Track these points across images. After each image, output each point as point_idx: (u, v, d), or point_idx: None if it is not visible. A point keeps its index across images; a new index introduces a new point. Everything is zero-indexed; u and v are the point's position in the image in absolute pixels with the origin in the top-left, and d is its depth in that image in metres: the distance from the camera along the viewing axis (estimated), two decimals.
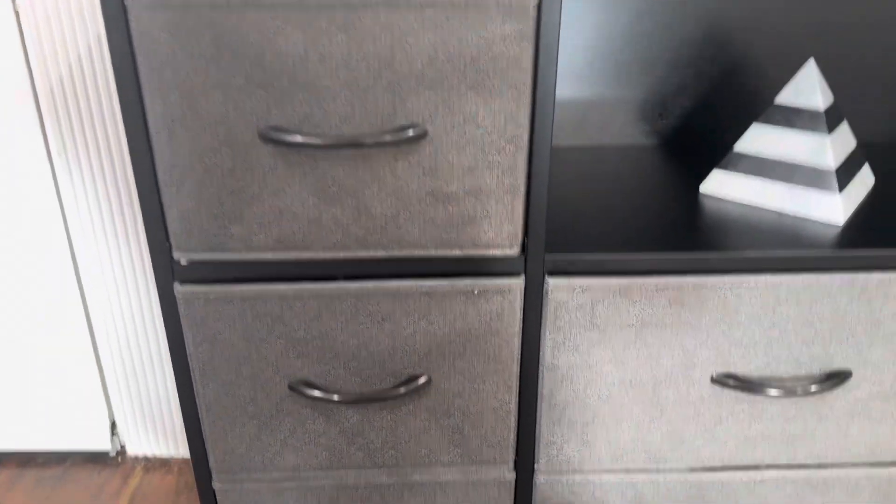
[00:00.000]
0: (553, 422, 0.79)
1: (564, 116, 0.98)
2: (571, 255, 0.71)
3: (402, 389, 0.73)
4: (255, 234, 0.68)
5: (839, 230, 0.76)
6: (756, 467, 0.83)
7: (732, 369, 0.77)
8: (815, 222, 0.78)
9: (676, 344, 0.75)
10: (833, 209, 0.77)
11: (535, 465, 0.82)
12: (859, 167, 0.83)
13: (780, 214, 0.80)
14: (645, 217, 0.79)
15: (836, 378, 0.76)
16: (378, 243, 0.69)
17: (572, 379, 0.76)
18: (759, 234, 0.75)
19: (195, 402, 0.76)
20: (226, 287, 0.70)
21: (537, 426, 0.79)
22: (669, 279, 0.72)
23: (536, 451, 0.81)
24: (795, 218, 0.79)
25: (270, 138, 0.62)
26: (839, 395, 0.78)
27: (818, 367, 0.77)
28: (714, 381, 0.77)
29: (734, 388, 0.76)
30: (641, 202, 0.83)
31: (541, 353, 0.75)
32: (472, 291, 0.71)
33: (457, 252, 0.69)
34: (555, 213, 0.80)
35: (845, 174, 0.80)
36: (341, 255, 0.69)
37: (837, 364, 0.77)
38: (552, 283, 0.71)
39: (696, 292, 0.72)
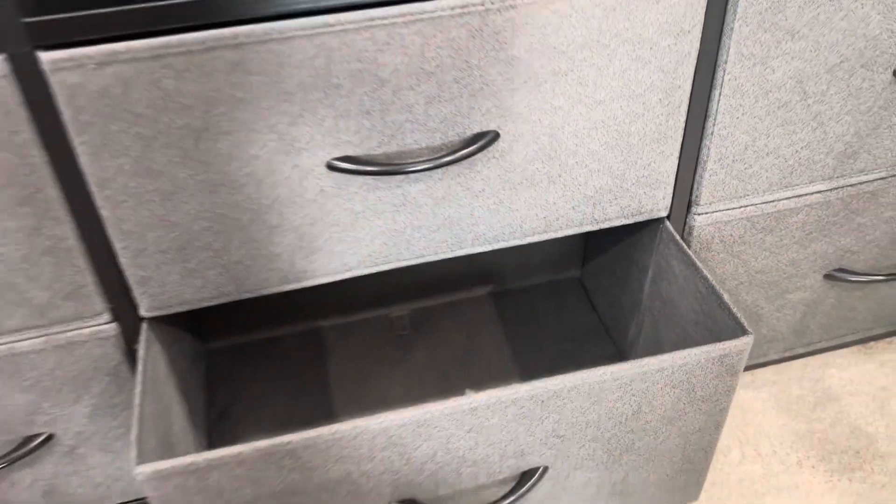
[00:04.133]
0: None
1: None
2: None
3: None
4: None
5: None
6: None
7: (348, 150, 0.60)
8: None
9: (264, 127, 0.57)
10: None
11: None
12: None
13: None
14: None
15: (480, 140, 0.61)
16: None
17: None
18: None
19: None
20: None
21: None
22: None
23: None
24: None
25: None
26: (491, 163, 0.64)
27: (455, 132, 0.61)
28: (332, 168, 0.60)
29: (357, 172, 0.60)
30: None
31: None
32: None
33: None
34: None
35: None
36: None
37: (478, 125, 0.61)
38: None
39: (262, 50, 0.53)
